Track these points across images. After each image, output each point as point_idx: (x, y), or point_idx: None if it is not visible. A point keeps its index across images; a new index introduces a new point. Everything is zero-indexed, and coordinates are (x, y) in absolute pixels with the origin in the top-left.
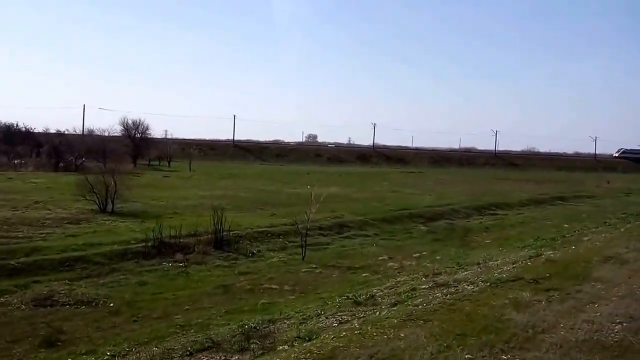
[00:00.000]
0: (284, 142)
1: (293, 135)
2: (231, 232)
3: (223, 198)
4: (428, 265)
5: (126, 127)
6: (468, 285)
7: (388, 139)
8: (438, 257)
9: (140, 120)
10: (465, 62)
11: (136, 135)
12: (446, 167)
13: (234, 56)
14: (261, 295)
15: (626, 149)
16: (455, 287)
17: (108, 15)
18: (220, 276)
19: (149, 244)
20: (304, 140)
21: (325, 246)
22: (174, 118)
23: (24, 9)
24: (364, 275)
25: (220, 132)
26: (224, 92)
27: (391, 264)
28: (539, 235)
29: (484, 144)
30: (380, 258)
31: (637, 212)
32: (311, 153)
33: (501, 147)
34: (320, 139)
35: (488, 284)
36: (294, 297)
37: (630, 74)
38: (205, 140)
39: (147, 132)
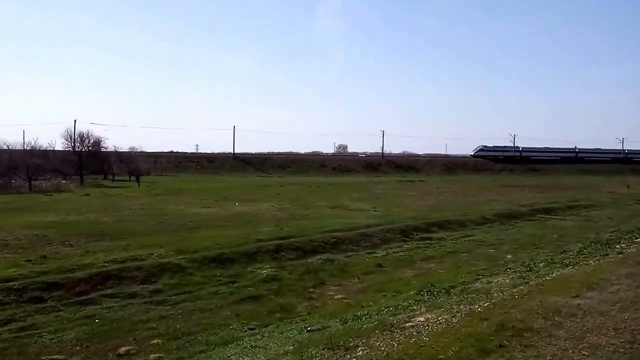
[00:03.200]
0: (322, 153)
1: (328, 146)
2: None
3: (58, 226)
4: None
5: (71, 141)
6: None
7: (419, 147)
8: (152, 358)
9: (88, 132)
10: (502, 69)
11: (83, 149)
12: (458, 174)
13: (272, 70)
14: None
15: (485, 146)
16: None
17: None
18: None
19: None
20: (334, 150)
21: None
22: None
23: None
24: None
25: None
26: (252, 105)
27: None
28: (433, 283)
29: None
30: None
31: (628, 230)
32: (316, 163)
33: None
34: (351, 149)
35: None
36: None
37: None
38: (205, 153)
39: (101, 145)
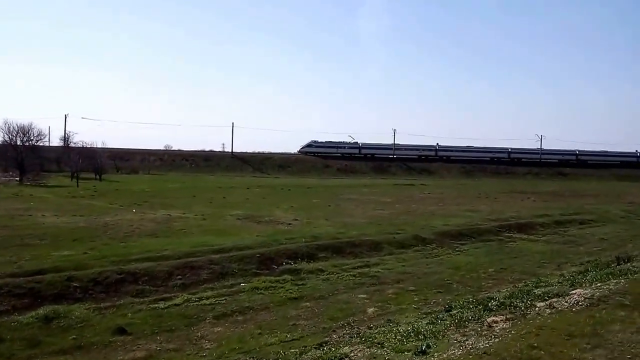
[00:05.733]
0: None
1: None
2: None
3: None
4: None
5: (10, 134)
6: None
7: None
8: None
9: (30, 125)
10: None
11: (25, 144)
12: (475, 178)
13: (306, 69)
14: None
15: (315, 142)
16: None
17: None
18: None
19: None
20: None
21: None
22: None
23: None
24: None
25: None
26: (296, 104)
27: None
28: None
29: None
30: None
31: (607, 262)
32: (319, 164)
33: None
34: None
35: None
36: None
37: None
38: (201, 151)
39: (69, 140)
